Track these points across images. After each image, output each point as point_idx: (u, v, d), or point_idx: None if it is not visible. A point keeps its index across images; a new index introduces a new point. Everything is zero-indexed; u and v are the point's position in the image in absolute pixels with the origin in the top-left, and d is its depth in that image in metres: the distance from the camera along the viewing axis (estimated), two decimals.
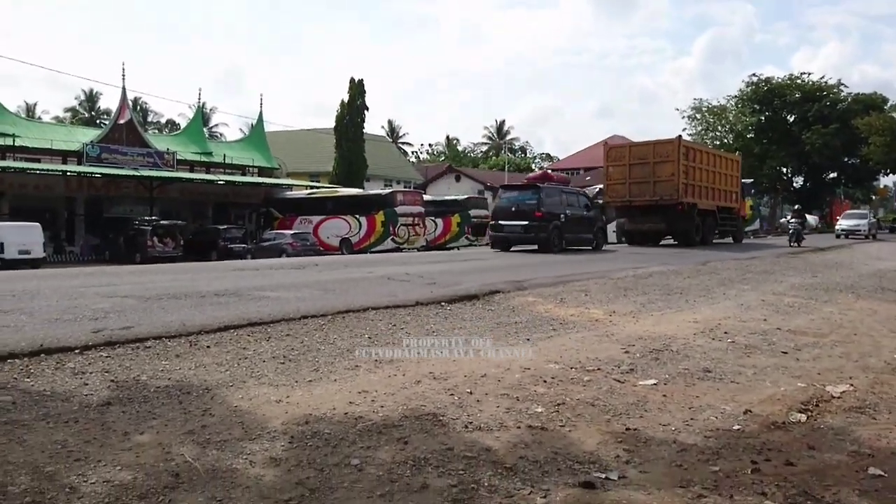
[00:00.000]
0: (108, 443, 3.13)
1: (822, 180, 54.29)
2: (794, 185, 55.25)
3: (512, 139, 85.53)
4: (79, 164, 30.69)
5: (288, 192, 35.55)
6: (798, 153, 49.12)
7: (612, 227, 23.97)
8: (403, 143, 77.17)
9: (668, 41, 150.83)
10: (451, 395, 4.08)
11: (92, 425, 3.35)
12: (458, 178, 59.56)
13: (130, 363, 4.56)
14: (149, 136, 37.47)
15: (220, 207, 35.79)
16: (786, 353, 5.63)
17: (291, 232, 28.80)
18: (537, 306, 7.54)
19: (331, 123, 44.77)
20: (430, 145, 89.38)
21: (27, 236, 23.08)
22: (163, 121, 69.36)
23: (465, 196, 39.46)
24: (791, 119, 50.91)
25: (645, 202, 21.01)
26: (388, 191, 34.52)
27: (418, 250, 28.44)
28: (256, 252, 26.55)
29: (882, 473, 3.03)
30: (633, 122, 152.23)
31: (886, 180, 62.07)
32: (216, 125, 66.13)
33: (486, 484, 2.80)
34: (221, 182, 33.70)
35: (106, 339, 5.07)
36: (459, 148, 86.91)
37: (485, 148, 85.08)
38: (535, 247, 18.00)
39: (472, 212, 34.79)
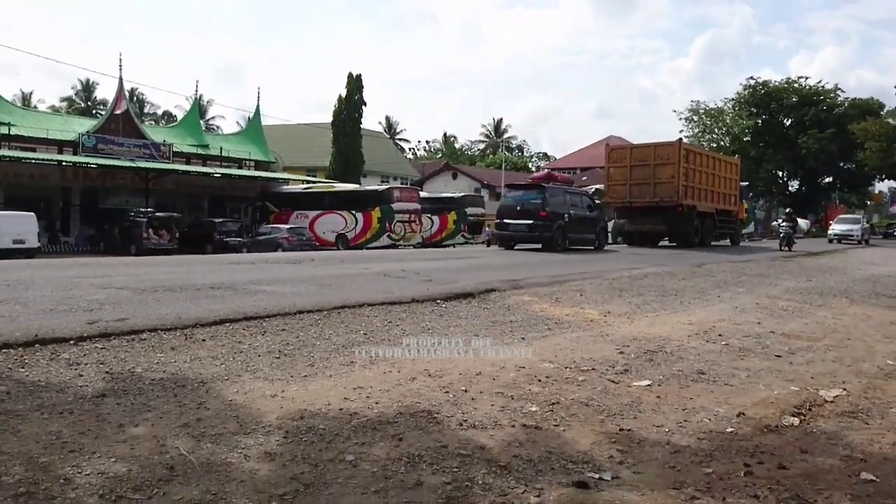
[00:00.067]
0: (103, 434, 3.13)
1: (817, 185, 54.47)
2: (790, 188, 55.44)
3: (509, 138, 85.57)
4: (74, 154, 30.56)
5: (284, 187, 35.44)
6: (794, 157, 49.27)
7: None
8: (401, 140, 77.07)
9: (667, 42, 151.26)
10: (446, 392, 4.09)
11: (86, 417, 3.35)
12: (454, 176, 59.57)
13: (125, 355, 4.55)
14: (145, 127, 37.33)
15: (216, 200, 35.69)
16: (779, 356, 5.66)
17: (287, 226, 28.71)
18: (533, 305, 7.55)
19: (328, 119, 44.71)
20: (427, 142, 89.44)
21: (22, 226, 22.99)
22: (159, 112, 69.15)
23: (462, 194, 39.41)
24: (788, 123, 51.03)
25: (645, 203, 21.23)
26: (384, 187, 34.46)
27: (414, 247, 28.43)
28: (252, 246, 26.50)
29: (874, 478, 3.06)
30: (630, 123, 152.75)
31: (882, 186, 62.32)
32: (213, 118, 65.96)
33: (480, 482, 2.81)
34: (218, 175, 33.63)
35: (101, 331, 5.06)
36: (457, 146, 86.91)
37: (482, 146, 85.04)
38: (539, 245, 18.16)
39: (469, 210, 34.82)
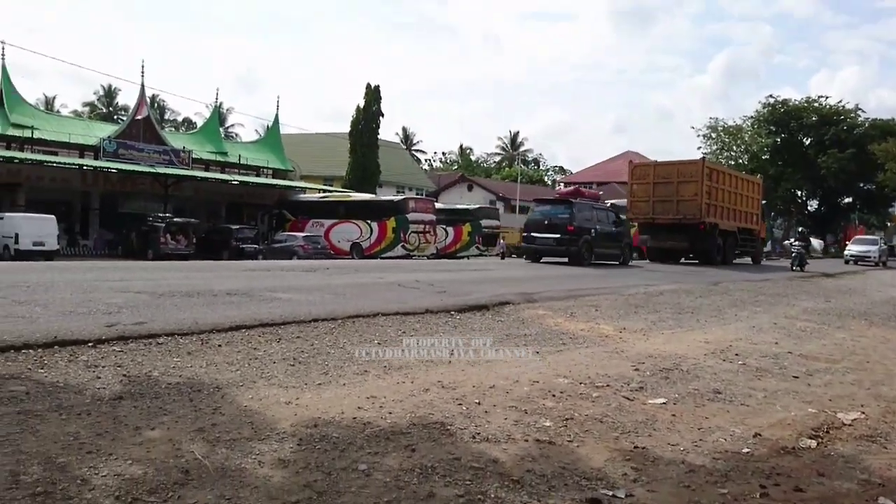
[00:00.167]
0: (120, 437, 3.15)
1: (836, 204, 53.98)
2: (809, 208, 54.96)
3: (525, 151, 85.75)
4: (95, 158, 30.94)
5: (301, 195, 35.67)
6: (813, 176, 48.89)
7: None
8: (417, 151, 77.43)
9: (686, 59, 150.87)
10: (460, 404, 4.09)
11: (104, 419, 3.39)
12: (470, 188, 59.65)
13: (143, 359, 4.59)
14: (165, 133, 37.77)
15: (234, 207, 35.97)
16: (797, 377, 5.59)
17: (303, 234, 28.89)
18: (547, 319, 7.53)
19: (346, 128, 45.02)
20: (443, 153, 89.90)
21: (42, 228, 23.31)
22: (180, 119, 70.04)
23: (477, 206, 39.48)
24: (807, 142, 50.69)
25: (668, 220, 21.39)
26: (400, 197, 34.58)
27: (428, 258, 28.46)
28: (268, 253, 26.66)
29: None
30: (647, 139, 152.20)
31: None
32: (232, 125, 66.75)
33: (492, 496, 2.80)
34: (236, 182, 33.90)
35: (119, 334, 5.11)
36: (472, 157, 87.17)
37: (498, 158, 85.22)
38: (566, 259, 18.34)
39: (484, 222, 34.82)
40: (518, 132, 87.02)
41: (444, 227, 32.90)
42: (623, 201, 25.34)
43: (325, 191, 37.57)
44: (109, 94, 66.55)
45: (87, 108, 66.20)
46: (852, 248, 33.79)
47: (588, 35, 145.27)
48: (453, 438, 3.47)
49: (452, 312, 7.45)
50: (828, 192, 51.58)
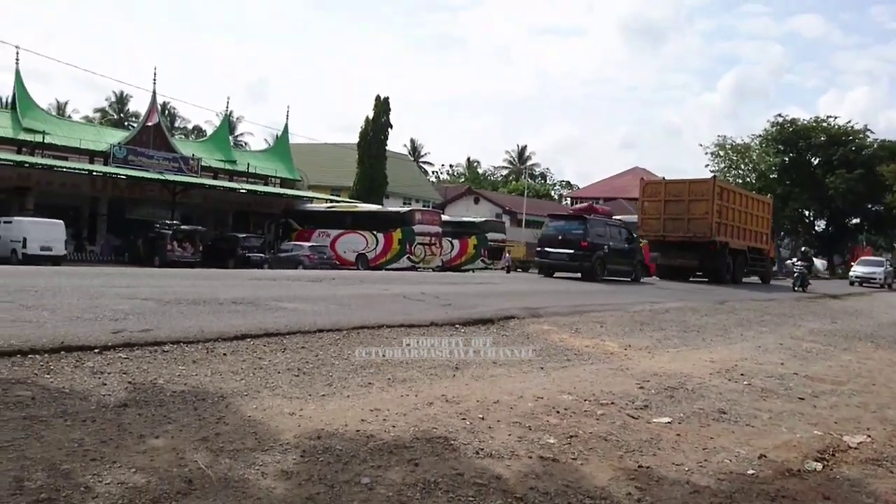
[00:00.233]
0: (124, 444, 3.16)
1: (844, 225, 53.72)
2: (816, 228, 54.75)
3: (532, 165, 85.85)
4: (105, 164, 31.13)
5: (308, 205, 35.78)
6: (821, 196, 48.69)
7: None
8: (424, 163, 77.59)
9: (696, 76, 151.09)
10: (463, 419, 4.08)
11: (108, 426, 3.39)
12: (476, 201, 59.75)
13: (148, 366, 4.60)
14: (175, 140, 37.99)
15: (241, 215, 36.10)
16: (802, 399, 5.56)
17: (309, 244, 28.93)
18: (552, 335, 7.51)
19: (355, 139, 45.22)
20: (450, 166, 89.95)
21: (50, 233, 23.42)
22: (190, 126, 70.45)
23: (483, 219, 39.52)
24: (815, 162, 50.56)
25: (678, 238, 21.45)
26: (406, 209, 34.66)
27: (433, 270, 28.47)
28: (274, 262, 26.70)
29: None
30: (655, 156, 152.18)
31: None
32: (241, 134, 67.02)
33: None
34: (243, 191, 34.03)
35: (125, 341, 5.13)
36: (480, 170, 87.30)
37: (505, 172, 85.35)
38: (578, 275, 18.41)
39: (490, 235, 34.84)
40: (526, 146, 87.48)
41: (450, 239, 32.93)
42: (630, 217, 25.37)
43: (332, 201, 37.70)
44: (121, 100, 67.13)
45: (98, 114, 66.76)
46: (857, 270, 33.10)
47: (599, 51, 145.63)
48: (457, 453, 3.46)
49: (457, 326, 7.44)
50: (835, 213, 51.36)
